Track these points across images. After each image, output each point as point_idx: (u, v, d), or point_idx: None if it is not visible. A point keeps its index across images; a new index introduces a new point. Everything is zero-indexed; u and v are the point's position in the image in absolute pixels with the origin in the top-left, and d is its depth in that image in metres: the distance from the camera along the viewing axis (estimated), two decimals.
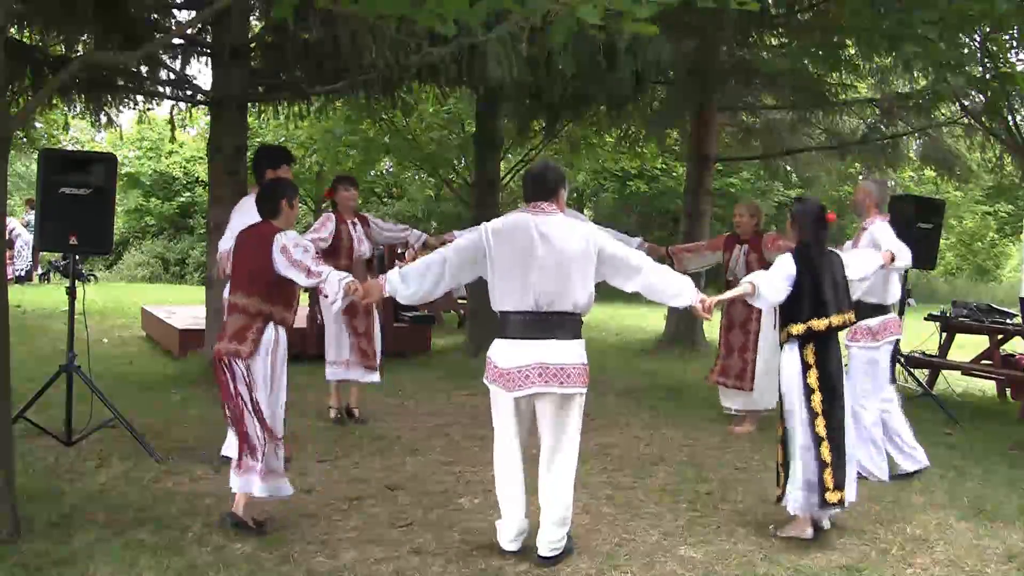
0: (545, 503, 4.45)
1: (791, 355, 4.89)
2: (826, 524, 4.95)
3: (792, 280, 4.84)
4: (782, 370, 4.98)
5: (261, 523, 4.73)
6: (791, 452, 4.88)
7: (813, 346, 4.86)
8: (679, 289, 4.47)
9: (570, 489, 4.47)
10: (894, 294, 6.20)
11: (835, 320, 4.88)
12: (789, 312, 4.91)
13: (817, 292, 4.85)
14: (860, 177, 6.96)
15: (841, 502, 4.80)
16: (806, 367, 4.85)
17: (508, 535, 4.55)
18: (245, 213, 5.51)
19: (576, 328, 4.40)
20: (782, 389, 4.98)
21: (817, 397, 4.82)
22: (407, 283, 4.47)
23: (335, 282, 4.59)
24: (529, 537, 4.53)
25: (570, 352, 4.33)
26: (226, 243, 5.62)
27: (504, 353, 4.38)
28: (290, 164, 6.03)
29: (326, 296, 4.66)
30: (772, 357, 6.63)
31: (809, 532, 4.84)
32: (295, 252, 4.65)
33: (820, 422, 4.80)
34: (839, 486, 4.77)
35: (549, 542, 4.42)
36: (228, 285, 5.28)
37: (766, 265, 5.85)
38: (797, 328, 4.86)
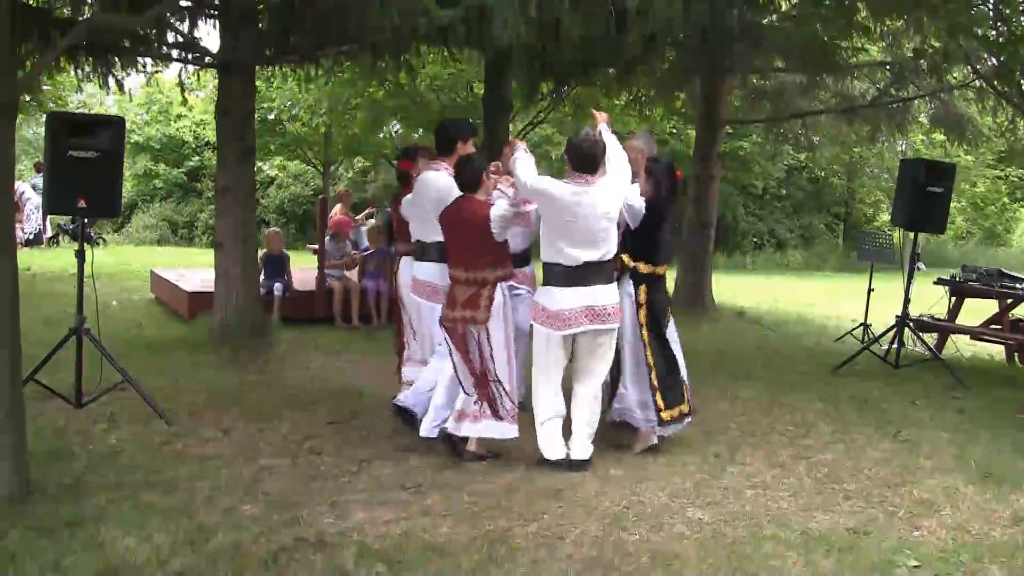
0: (577, 409, 5.35)
1: (626, 295, 5.57)
2: (667, 432, 5.73)
3: (638, 212, 5.52)
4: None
5: (493, 451, 5.46)
6: (623, 377, 5.68)
7: (645, 287, 5.62)
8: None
9: (599, 397, 5.42)
10: None
11: (666, 269, 5.77)
12: (632, 248, 5.63)
13: (657, 239, 5.65)
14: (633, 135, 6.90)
15: (675, 419, 5.65)
16: (638, 306, 5.61)
17: (556, 446, 5.31)
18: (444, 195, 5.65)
19: (611, 273, 5.35)
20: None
21: (646, 331, 5.61)
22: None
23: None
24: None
25: (610, 294, 5.28)
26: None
27: (554, 298, 5.23)
28: (475, 136, 6.20)
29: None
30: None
31: (654, 439, 5.67)
32: (505, 212, 5.23)
33: (649, 352, 5.62)
34: (670, 406, 5.61)
35: (580, 444, 5.31)
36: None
37: None
38: (644, 267, 5.61)
